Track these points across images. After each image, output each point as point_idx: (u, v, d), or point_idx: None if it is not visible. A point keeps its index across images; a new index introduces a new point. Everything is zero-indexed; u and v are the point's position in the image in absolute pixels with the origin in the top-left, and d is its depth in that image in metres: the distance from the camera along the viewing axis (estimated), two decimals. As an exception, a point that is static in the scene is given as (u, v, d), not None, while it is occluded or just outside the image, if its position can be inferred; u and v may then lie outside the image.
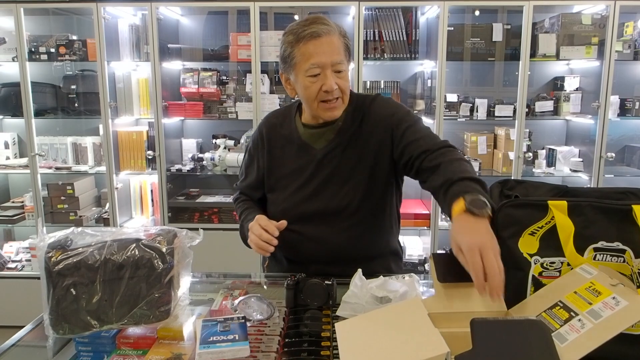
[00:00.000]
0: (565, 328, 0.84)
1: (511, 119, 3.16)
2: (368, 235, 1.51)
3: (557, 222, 0.99)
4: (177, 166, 3.36)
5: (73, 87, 3.31)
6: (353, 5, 3.02)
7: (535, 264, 1.00)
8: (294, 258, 1.55)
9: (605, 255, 0.98)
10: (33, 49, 3.18)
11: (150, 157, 3.27)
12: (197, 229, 1.18)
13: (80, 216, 3.32)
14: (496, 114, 3.19)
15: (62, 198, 3.30)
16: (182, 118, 3.45)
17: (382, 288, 1.19)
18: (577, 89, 3.27)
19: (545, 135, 3.48)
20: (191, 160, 3.41)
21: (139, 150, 3.32)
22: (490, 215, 1.03)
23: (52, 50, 3.19)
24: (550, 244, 1.00)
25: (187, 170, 3.35)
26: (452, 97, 3.20)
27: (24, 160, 3.39)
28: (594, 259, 0.98)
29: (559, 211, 0.99)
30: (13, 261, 3.42)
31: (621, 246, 0.97)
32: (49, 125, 3.44)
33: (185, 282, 1.20)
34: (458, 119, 3.22)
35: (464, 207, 1.04)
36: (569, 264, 0.99)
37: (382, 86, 3.26)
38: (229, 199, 3.31)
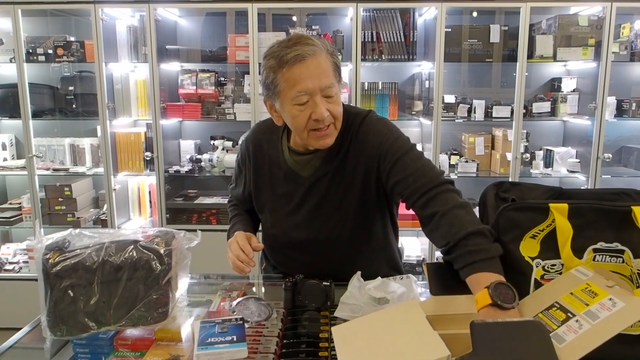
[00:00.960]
0: (563, 329, 0.84)
1: (509, 120, 3.16)
2: (363, 260, 1.45)
3: (557, 225, 0.99)
4: (175, 167, 3.35)
5: (71, 88, 3.30)
6: (351, 7, 3.03)
7: (536, 267, 1.00)
8: (289, 273, 1.53)
9: (604, 256, 0.98)
10: (31, 50, 3.18)
11: (148, 158, 3.26)
12: (195, 231, 1.18)
13: (78, 218, 3.31)
14: (494, 115, 3.20)
15: (60, 199, 3.29)
16: (180, 119, 3.45)
17: (380, 289, 1.19)
18: (574, 90, 3.28)
19: (543, 136, 3.49)
20: (189, 161, 3.41)
21: (137, 152, 3.31)
22: (518, 304, 0.93)
23: (50, 51, 3.18)
24: (551, 246, 1.00)
25: (185, 172, 3.35)
26: (450, 98, 3.21)
27: (22, 162, 3.38)
28: (594, 259, 0.98)
29: (559, 214, 0.99)
30: (10, 263, 3.41)
31: (620, 247, 0.97)
32: (46, 126, 3.43)
33: (183, 284, 1.20)
34: (456, 120, 3.23)
35: (489, 300, 0.92)
36: (567, 266, 0.99)
37: (380, 87, 3.26)
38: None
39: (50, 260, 1.07)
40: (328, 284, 1.26)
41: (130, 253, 1.09)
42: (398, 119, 3.31)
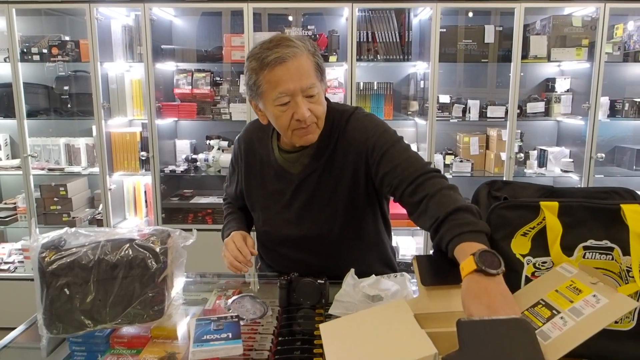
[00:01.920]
0: (548, 326, 0.86)
1: (503, 120, 3.18)
2: (354, 257, 1.45)
3: (548, 223, 1.00)
4: (171, 167, 3.35)
5: (66, 88, 3.30)
6: (346, 7, 3.04)
7: (527, 264, 1.02)
8: (283, 271, 1.54)
9: (594, 254, 0.99)
10: (25, 50, 3.17)
11: (143, 158, 3.26)
12: (191, 230, 1.19)
13: (74, 217, 3.31)
14: (488, 115, 3.22)
15: (55, 199, 3.29)
16: (176, 119, 3.45)
17: (374, 287, 1.20)
18: (567, 91, 3.30)
19: (537, 136, 3.51)
20: (185, 161, 3.41)
21: (132, 152, 3.31)
22: (504, 270, 0.91)
23: (45, 51, 3.17)
24: (542, 244, 1.01)
25: (181, 171, 3.35)
26: (445, 98, 3.22)
27: (17, 162, 3.38)
28: (584, 257, 1.00)
29: (550, 212, 1.00)
30: (5, 263, 3.40)
31: (609, 244, 0.98)
32: (41, 126, 3.43)
33: (179, 282, 1.21)
34: (451, 120, 3.24)
35: (474, 266, 0.91)
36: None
37: (375, 87, 3.27)
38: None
39: (46, 259, 1.08)
40: (322, 281, 1.28)
41: (126, 251, 1.09)
42: (393, 119, 3.32)
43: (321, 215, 1.42)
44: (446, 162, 3.34)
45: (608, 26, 3.00)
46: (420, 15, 3.28)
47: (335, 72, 3.31)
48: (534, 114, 3.27)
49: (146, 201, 3.48)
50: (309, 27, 3.23)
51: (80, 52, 3.18)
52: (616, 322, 0.96)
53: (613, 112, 3.21)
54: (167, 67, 3.39)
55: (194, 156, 3.40)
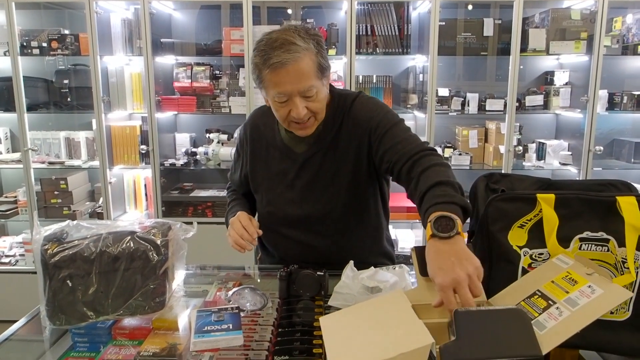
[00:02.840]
0: (544, 316, 0.87)
1: (502, 113, 3.18)
2: (355, 240, 1.51)
3: (544, 214, 1.01)
4: (171, 161, 3.36)
5: (65, 81, 3.30)
6: (345, 0, 3.03)
7: (524, 256, 1.03)
8: (284, 257, 1.57)
9: (590, 245, 1.01)
10: (25, 44, 3.16)
11: (143, 151, 3.27)
12: (191, 223, 1.20)
13: (74, 211, 3.32)
14: (487, 108, 3.22)
15: (56, 193, 3.30)
16: (176, 112, 3.45)
17: (373, 279, 1.21)
18: (566, 84, 3.30)
19: (536, 129, 3.52)
20: (185, 154, 3.42)
21: (132, 145, 3.32)
22: (460, 232, 0.97)
23: (44, 44, 3.17)
24: (539, 235, 1.03)
25: (181, 165, 3.36)
26: (444, 92, 3.23)
27: (17, 155, 3.38)
28: (580, 248, 1.01)
29: (546, 204, 1.02)
30: (7, 256, 3.42)
31: (605, 236, 1.00)
32: (41, 120, 3.43)
33: (179, 274, 1.23)
34: (450, 113, 3.25)
35: (430, 232, 0.99)
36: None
37: (374, 80, 3.27)
38: (223, 193, 3.31)
39: (48, 251, 1.09)
40: (322, 273, 1.29)
41: (128, 244, 1.11)
42: (392, 112, 3.32)
43: (324, 195, 1.46)
44: (445, 155, 3.35)
45: (607, 19, 2.99)
46: (420, 8, 3.27)
47: (335, 66, 3.31)
48: (532, 107, 3.27)
49: (146, 194, 3.49)
50: (308, 20, 3.23)
51: (80, 45, 3.17)
52: (611, 313, 0.98)
53: (612, 105, 3.22)
54: (167, 60, 3.39)
55: (194, 149, 3.41)
